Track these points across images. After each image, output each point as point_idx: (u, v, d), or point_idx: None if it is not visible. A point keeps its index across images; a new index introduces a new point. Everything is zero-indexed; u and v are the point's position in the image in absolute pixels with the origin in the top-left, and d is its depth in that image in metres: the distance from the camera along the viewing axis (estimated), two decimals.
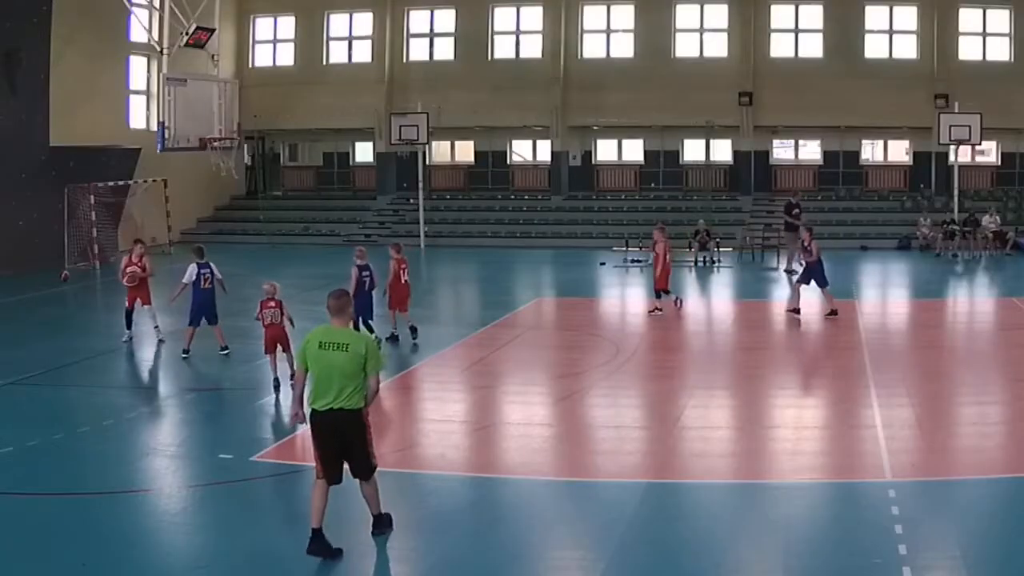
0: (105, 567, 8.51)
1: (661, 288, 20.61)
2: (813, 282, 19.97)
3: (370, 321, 17.00)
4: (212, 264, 17.00)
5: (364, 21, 39.00)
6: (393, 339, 17.75)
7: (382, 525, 8.99)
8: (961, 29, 34.73)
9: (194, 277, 16.76)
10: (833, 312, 19.67)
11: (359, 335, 8.77)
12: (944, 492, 10.14)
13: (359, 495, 8.86)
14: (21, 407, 14.04)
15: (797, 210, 28.01)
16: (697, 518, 9.73)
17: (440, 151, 40.22)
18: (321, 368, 8.50)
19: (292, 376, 13.36)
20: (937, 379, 15.38)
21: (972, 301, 24.77)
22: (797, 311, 19.81)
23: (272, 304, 14.53)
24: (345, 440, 8.54)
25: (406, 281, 17.85)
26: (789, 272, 26.17)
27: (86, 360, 17.19)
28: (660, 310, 20.59)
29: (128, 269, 18.30)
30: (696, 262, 29.24)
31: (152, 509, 10.09)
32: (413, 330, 17.80)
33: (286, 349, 14.33)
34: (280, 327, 14.48)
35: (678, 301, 21.13)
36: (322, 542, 8.43)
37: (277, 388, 14.27)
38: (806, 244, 20.20)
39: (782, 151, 38.14)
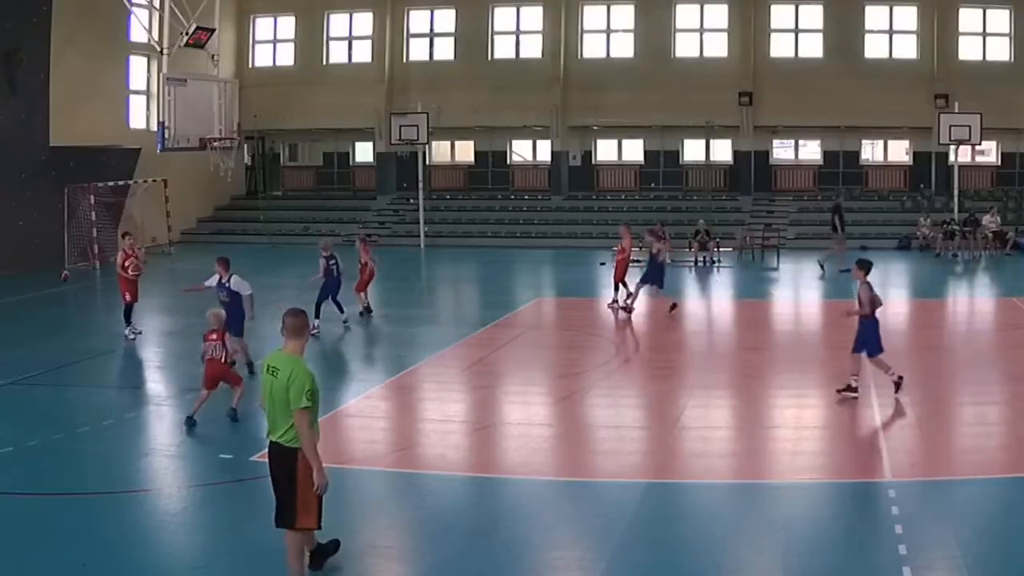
0: (105, 567, 8.51)
1: (619, 280, 21.30)
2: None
3: (338, 299, 18.98)
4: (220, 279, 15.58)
5: (364, 21, 38.95)
6: (367, 311, 20.27)
7: None
8: (961, 29, 34.69)
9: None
10: (674, 306, 20.80)
11: (292, 361, 7.64)
12: (944, 492, 10.14)
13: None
14: (21, 407, 14.03)
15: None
16: (697, 518, 9.73)
17: (440, 151, 40.19)
18: (265, 394, 7.82)
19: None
20: (937, 379, 15.37)
21: (972, 301, 24.74)
22: (629, 310, 20.40)
23: (214, 337, 12.87)
24: (275, 479, 7.83)
25: (371, 267, 20.41)
26: (843, 271, 26.58)
27: (86, 360, 17.18)
28: (629, 305, 20.81)
29: (127, 263, 18.31)
30: (696, 262, 29.26)
31: (152, 509, 10.07)
32: (367, 310, 20.40)
33: (237, 383, 13.06)
34: (219, 361, 12.85)
35: (629, 302, 20.92)
36: (322, 555, 8.25)
37: (192, 426, 12.52)
38: (648, 248, 21.16)
39: (782, 151, 38.11)
